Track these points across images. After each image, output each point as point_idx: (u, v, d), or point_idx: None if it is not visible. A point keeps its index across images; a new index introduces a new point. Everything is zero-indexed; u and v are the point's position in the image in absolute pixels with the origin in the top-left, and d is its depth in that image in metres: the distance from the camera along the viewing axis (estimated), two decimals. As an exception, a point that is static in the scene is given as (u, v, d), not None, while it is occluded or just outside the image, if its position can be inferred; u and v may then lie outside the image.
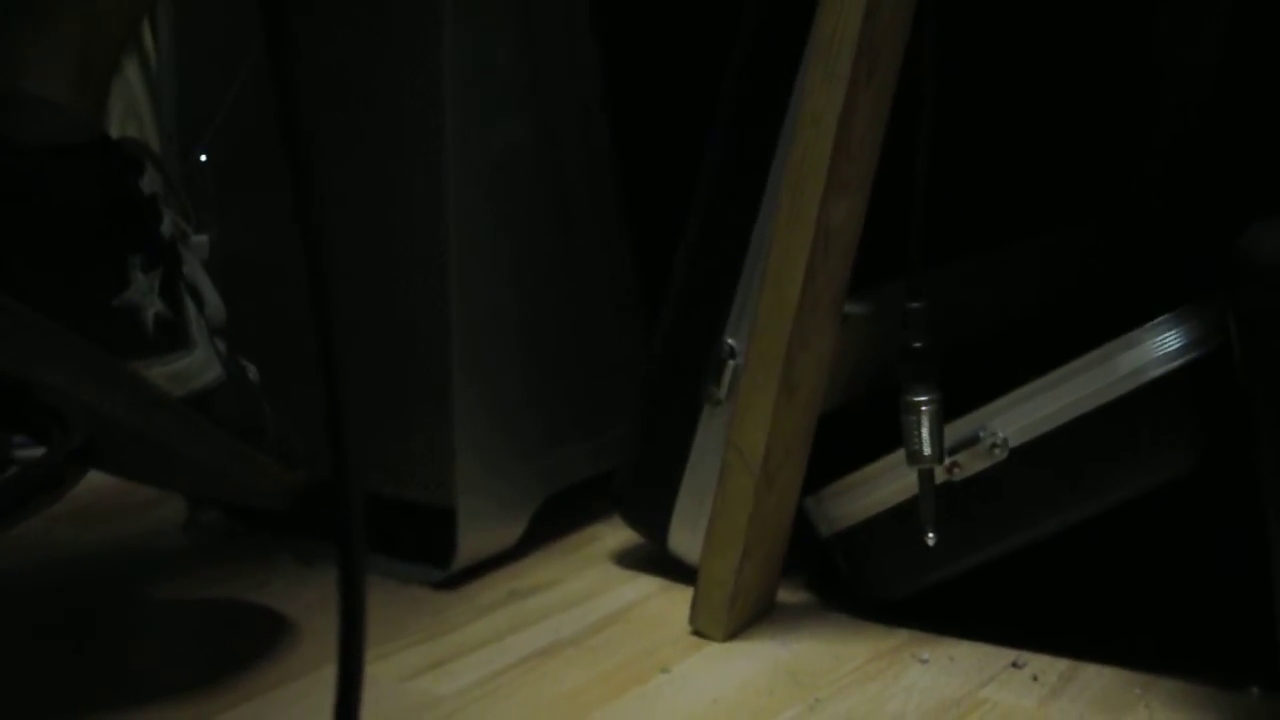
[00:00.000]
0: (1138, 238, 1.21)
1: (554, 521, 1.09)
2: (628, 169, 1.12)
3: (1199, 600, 0.95)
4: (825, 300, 0.89)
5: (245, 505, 1.04)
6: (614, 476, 1.03)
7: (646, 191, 1.12)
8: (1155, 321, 0.84)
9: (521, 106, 1.03)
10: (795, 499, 0.93)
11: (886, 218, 0.87)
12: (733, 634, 0.92)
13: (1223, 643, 0.89)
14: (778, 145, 0.91)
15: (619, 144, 1.11)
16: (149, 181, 0.78)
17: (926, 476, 0.84)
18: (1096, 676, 0.85)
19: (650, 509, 1.00)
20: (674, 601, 0.97)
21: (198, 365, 0.78)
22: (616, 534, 1.08)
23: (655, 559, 1.02)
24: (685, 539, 0.98)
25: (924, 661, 0.88)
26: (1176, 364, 0.83)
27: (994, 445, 0.86)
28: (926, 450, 0.82)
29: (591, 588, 1.01)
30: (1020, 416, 0.86)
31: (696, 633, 0.92)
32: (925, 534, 0.85)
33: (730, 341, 0.94)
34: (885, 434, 0.86)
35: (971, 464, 0.87)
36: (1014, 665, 0.87)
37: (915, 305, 0.84)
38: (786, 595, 0.97)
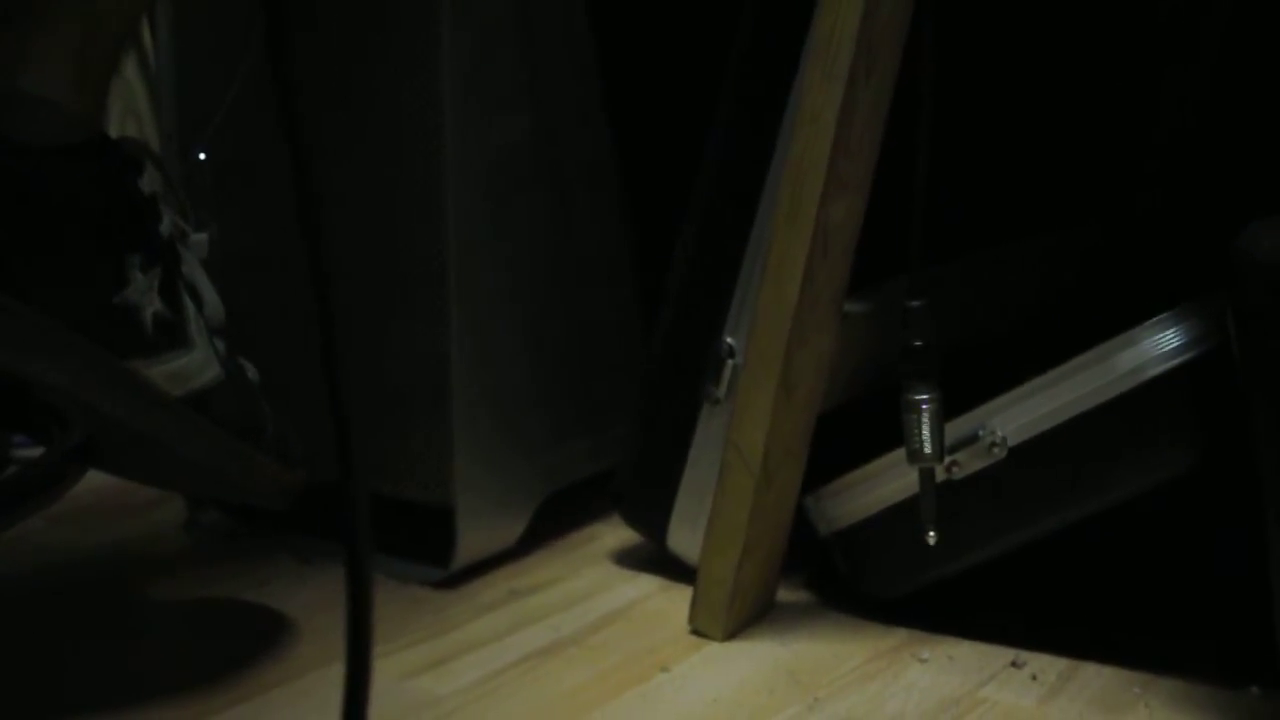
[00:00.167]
0: (1137, 237, 1.21)
1: (554, 520, 1.09)
2: (627, 168, 1.12)
3: (1198, 599, 0.95)
4: (824, 299, 0.89)
5: (245, 505, 1.04)
6: (614, 475, 1.03)
7: (646, 190, 1.12)
8: (1154, 320, 0.84)
9: (520, 106, 1.03)
10: (794, 498, 0.93)
11: (885, 217, 0.87)
12: (732, 633, 0.92)
13: (1222, 642, 0.89)
14: (777, 144, 0.91)
15: (618, 143, 1.11)
16: (148, 181, 0.78)
17: (927, 475, 0.84)
18: (1096, 675, 0.85)
19: (650, 508, 1.00)
20: (673, 601, 0.97)
21: (196, 365, 0.78)
22: (616, 533, 1.08)
23: (655, 558, 1.02)
24: (685, 538, 0.98)
25: (923, 661, 0.88)
26: (1175, 362, 0.83)
27: (993, 444, 0.86)
28: (927, 449, 0.82)
29: (591, 587, 1.01)
30: (1019, 415, 0.86)
31: (696, 632, 0.92)
32: (926, 533, 0.85)
33: (729, 340, 0.94)
34: (885, 433, 0.86)
35: (971, 463, 0.87)
36: (1013, 664, 0.87)
37: (916, 304, 0.84)
38: (786, 594, 0.97)
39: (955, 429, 0.86)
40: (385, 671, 0.87)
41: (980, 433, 0.87)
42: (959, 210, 0.96)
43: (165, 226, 0.79)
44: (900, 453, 0.86)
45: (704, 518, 0.93)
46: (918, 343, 0.81)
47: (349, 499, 0.48)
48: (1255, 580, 0.77)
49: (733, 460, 0.90)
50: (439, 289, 0.98)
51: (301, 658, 0.89)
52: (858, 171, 0.88)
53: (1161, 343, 0.83)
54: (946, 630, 0.91)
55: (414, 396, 1.00)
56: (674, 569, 1.00)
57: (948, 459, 0.86)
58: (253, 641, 0.92)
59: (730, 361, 0.94)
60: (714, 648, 0.91)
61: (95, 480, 0.85)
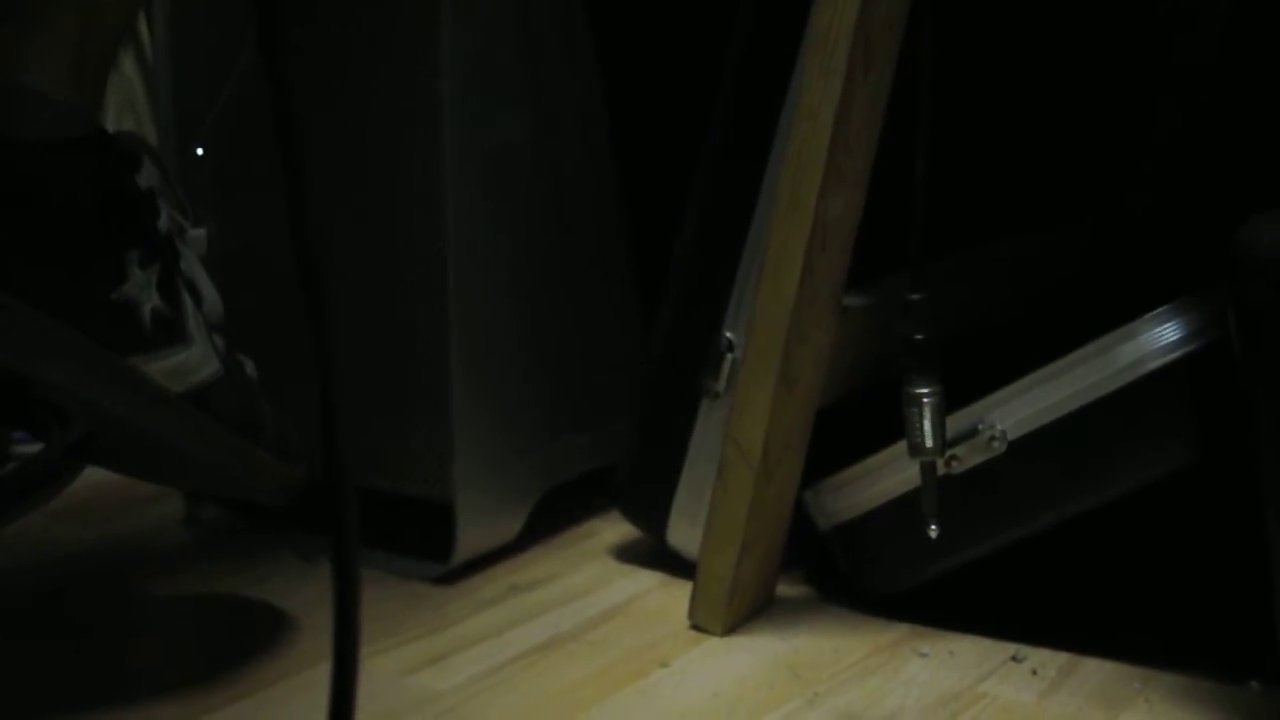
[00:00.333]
0: (1136, 230, 1.20)
1: (553, 516, 1.09)
2: (626, 165, 1.12)
3: (1199, 594, 0.95)
4: (823, 293, 0.89)
5: (244, 501, 1.04)
6: (613, 471, 1.03)
7: (645, 186, 1.12)
8: (1154, 314, 0.84)
9: (520, 104, 1.03)
10: (794, 493, 0.93)
11: (884, 211, 0.87)
12: (732, 628, 0.92)
13: (1223, 637, 0.89)
14: (775, 139, 0.91)
15: (617, 140, 1.11)
16: (146, 176, 0.78)
17: (929, 469, 0.84)
18: (1096, 670, 0.85)
19: (649, 504, 1.00)
20: (673, 596, 0.97)
21: (195, 361, 0.78)
22: (615, 529, 1.08)
23: (654, 553, 1.02)
24: (684, 533, 0.98)
25: (923, 655, 0.88)
26: (1175, 356, 0.83)
27: (993, 438, 0.86)
28: (928, 442, 0.82)
29: (591, 582, 1.01)
30: (1019, 409, 0.86)
31: (695, 627, 0.92)
32: (928, 526, 0.85)
33: (728, 335, 0.94)
34: (884, 427, 0.86)
35: (970, 457, 0.87)
36: (1014, 659, 0.87)
37: (917, 297, 0.83)
38: (785, 589, 0.97)
39: (954, 423, 0.86)
40: (384, 667, 0.87)
41: (980, 427, 0.87)
42: (958, 204, 0.96)
43: (163, 222, 0.79)
44: (900, 447, 0.85)
45: (703, 513, 0.93)
46: (919, 336, 0.81)
47: (335, 492, 0.48)
48: (1255, 575, 0.77)
49: (732, 455, 0.90)
50: (438, 286, 0.98)
51: (301, 654, 0.89)
52: (856, 166, 0.88)
53: (1161, 336, 0.83)
54: (947, 625, 0.91)
55: (413, 392, 1.00)
56: (673, 564, 1.00)
57: (947, 453, 0.86)
58: (252, 638, 0.92)
59: (729, 356, 0.94)
60: (713, 643, 0.91)
61: (94, 476, 0.85)
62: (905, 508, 0.88)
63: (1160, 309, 0.84)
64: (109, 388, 0.74)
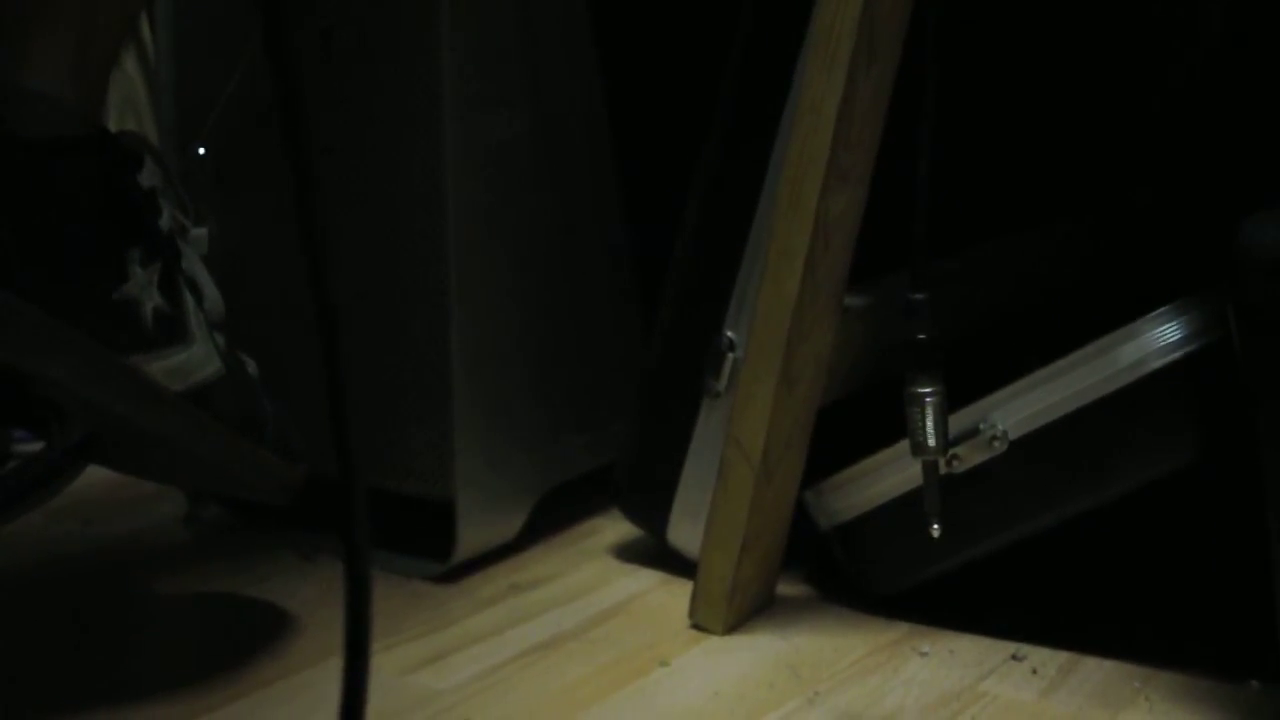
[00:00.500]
0: (1138, 229, 1.20)
1: (554, 515, 1.09)
2: (627, 161, 1.12)
3: (1199, 593, 0.95)
4: (825, 292, 0.89)
5: (245, 500, 1.04)
6: (614, 470, 1.03)
7: (645, 184, 1.12)
8: (1155, 313, 0.84)
9: (521, 100, 1.03)
10: (795, 492, 0.93)
11: (886, 210, 0.87)
12: (732, 627, 0.92)
13: (1223, 636, 0.89)
14: (777, 136, 0.91)
15: (618, 137, 1.11)
16: (147, 175, 0.78)
17: (931, 468, 0.84)
18: (1096, 669, 0.85)
19: (650, 503, 1.00)
20: (674, 595, 0.97)
21: (196, 360, 0.78)
22: (616, 527, 1.08)
23: (655, 552, 1.02)
24: (685, 532, 0.98)
25: (924, 654, 0.88)
26: (1177, 356, 0.83)
27: (994, 437, 0.86)
28: (930, 441, 0.82)
29: (591, 581, 1.01)
30: (1020, 408, 0.86)
31: (696, 626, 0.92)
32: (930, 526, 0.85)
33: (729, 334, 0.94)
34: (885, 427, 0.86)
35: (971, 456, 0.87)
36: (1014, 658, 0.87)
37: (919, 297, 0.83)
38: (786, 588, 0.97)
39: (956, 422, 0.86)
40: (385, 666, 0.87)
41: (981, 426, 0.87)
42: (960, 203, 0.96)
43: (165, 221, 0.79)
44: (901, 446, 0.85)
45: (704, 512, 0.93)
46: (921, 336, 0.81)
47: (347, 492, 0.48)
48: (1256, 574, 0.77)
49: (733, 454, 0.90)
50: (439, 285, 0.98)
51: (301, 653, 0.89)
52: (858, 164, 0.88)
53: (1163, 336, 0.83)
54: (947, 624, 0.91)
55: (414, 391, 1.00)
56: (674, 563, 1.00)
57: (949, 453, 0.86)
58: (252, 637, 0.92)
59: (730, 355, 0.94)
60: (714, 642, 0.91)
61: (95, 475, 0.85)
62: (906, 507, 0.88)
63: (1161, 309, 0.84)
64: (110, 386, 0.74)
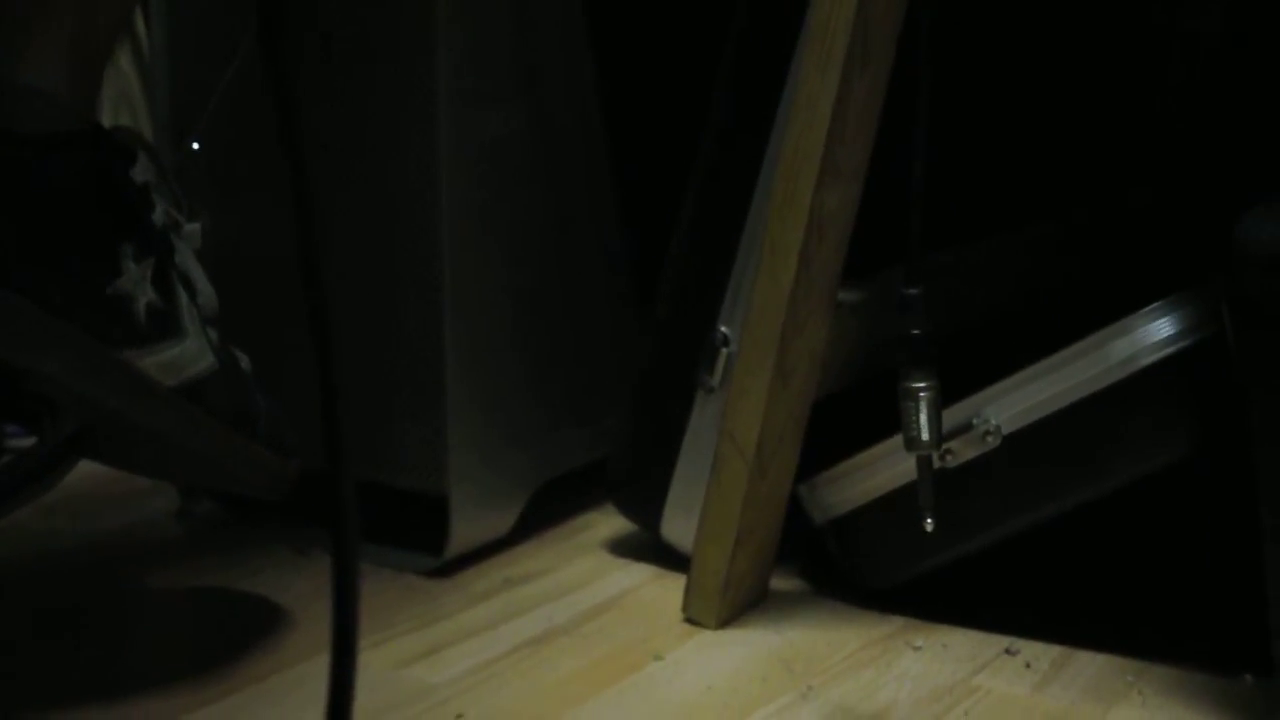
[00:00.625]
0: (1132, 225, 1.20)
1: (547, 509, 1.09)
2: (623, 157, 1.11)
3: (1192, 588, 0.95)
4: (819, 287, 0.89)
5: (238, 495, 1.04)
6: (607, 464, 1.03)
7: (641, 180, 1.12)
8: (1149, 308, 0.84)
9: (516, 95, 1.03)
10: (788, 486, 0.93)
11: (880, 206, 0.87)
12: (726, 621, 0.92)
13: (1216, 630, 0.89)
14: (771, 132, 0.91)
15: (614, 132, 1.11)
16: (141, 170, 0.78)
17: (925, 462, 0.84)
18: (1089, 664, 0.85)
19: (644, 497, 1.00)
20: (667, 589, 0.97)
21: (190, 355, 0.78)
22: (610, 522, 1.08)
23: (648, 547, 1.02)
24: (678, 527, 0.98)
25: (917, 649, 0.88)
26: (1170, 351, 0.83)
27: (988, 432, 0.86)
28: (924, 436, 0.82)
29: (585, 576, 1.01)
30: (1013, 403, 0.86)
31: (690, 620, 0.92)
32: (923, 520, 0.85)
33: (724, 329, 0.94)
34: (879, 421, 0.86)
35: (965, 451, 0.87)
36: (1007, 652, 0.87)
37: (913, 291, 0.83)
38: (780, 583, 0.98)
39: (949, 417, 0.86)
40: (378, 661, 0.87)
41: (974, 421, 0.87)
42: (954, 199, 0.96)
43: (158, 216, 0.78)
44: (895, 441, 0.85)
45: (698, 506, 0.93)
46: (915, 330, 0.81)
47: (336, 485, 0.48)
48: (1249, 568, 0.77)
49: (727, 449, 0.90)
50: (433, 279, 0.98)
51: (294, 647, 0.89)
52: (853, 159, 0.88)
53: (1156, 331, 0.83)
54: (940, 618, 0.91)
55: (408, 386, 1.00)
56: (667, 558, 1.00)
57: (942, 447, 0.86)
58: (245, 632, 0.92)
59: (725, 350, 0.94)
60: (708, 636, 0.91)
61: (88, 470, 0.85)
62: (900, 502, 0.88)
63: (1155, 304, 0.84)
64: (103, 381, 0.74)
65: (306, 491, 0.85)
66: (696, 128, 0.96)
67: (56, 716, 0.81)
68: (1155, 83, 1.26)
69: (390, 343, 1.00)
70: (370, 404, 1.01)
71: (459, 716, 0.80)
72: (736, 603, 0.93)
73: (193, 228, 0.83)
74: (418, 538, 1.01)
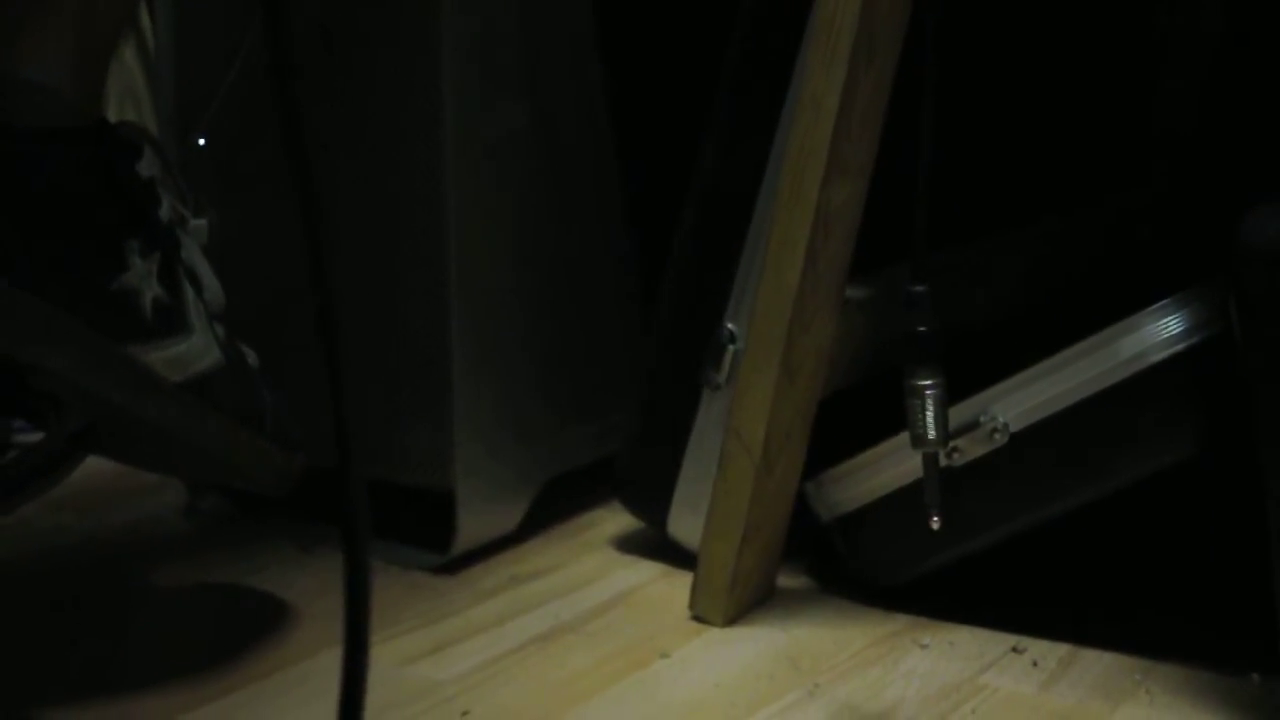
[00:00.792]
0: (1139, 222, 1.20)
1: (554, 506, 1.08)
2: (629, 152, 1.11)
3: (1200, 586, 0.95)
4: (826, 284, 0.89)
5: (244, 491, 1.04)
6: (614, 461, 1.03)
7: (647, 175, 1.12)
8: (1157, 306, 0.84)
9: (521, 92, 1.03)
10: (795, 484, 0.93)
11: (885, 202, 0.87)
12: (733, 619, 0.92)
13: (1223, 629, 0.89)
14: (777, 129, 0.91)
15: (620, 128, 1.11)
16: (146, 165, 0.78)
17: (931, 460, 0.84)
18: (1096, 662, 0.85)
19: (650, 494, 1.00)
20: (674, 586, 0.97)
21: (196, 350, 0.78)
22: (616, 519, 1.08)
23: (655, 544, 1.02)
24: (685, 524, 0.98)
25: (924, 646, 0.88)
26: (1178, 348, 0.83)
27: (995, 430, 0.86)
28: (930, 434, 0.82)
29: (592, 573, 1.01)
30: (1021, 401, 0.86)
31: (696, 618, 0.92)
32: (930, 518, 0.85)
33: (730, 326, 0.94)
34: (887, 418, 0.86)
35: (972, 449, 0.87)
36: (1014, 650, 0.87)
37: (919, 288, 0.83)
38: (786, 580, 0.97)
39: (956, 415, 0.86)
40: (385, 657, 0.87)
41: (981, 419, 0.87)
42: (961, 196, 0.96)
43: (164, 211, 0.78)
44: (902, 438, 0.85)
45: (705, 503, 0.93)
46: (921, 328, 0.81)
47: (346, 483, 0.48)
48: (1256, 566, 0.77)
49: (733, 446, 0.90)
50: (439, 275, 0.98)
51: (300, 643, 0.89)
52: (859, 156, 0.88)
53: (1164, 329, 0.83)
54: (947, 616, 0.91)
55: (415, 382, 1.00)
56: (674, 555, 1.00)
57: (949, 445, 0.86)
58: (251, 627, 0.92)
59: (731, 347, 0.93)
60: (714, 633, 0.91)
61: (94, 465, 0.85)
62: (907, 499, 0.88)
63: (1163, 301, 0.84)
64: (109, 377, 0.74)
65: (313, 488, 0.85)
66: (701, 125, 0.96)
67: (62, 711, 0.81)
68: (1157, 81, 1.25)
69: (397, 339, 1.00)
70: (377, 401, 1.01)
71: (465, 713, 0.80)
72: (743, 600, 0.93)
73: (198, 223, 0.83)
74: (424, 534, 1.01)
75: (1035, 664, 0.85)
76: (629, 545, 1.05)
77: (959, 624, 0.90)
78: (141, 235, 0.75)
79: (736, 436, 0.90)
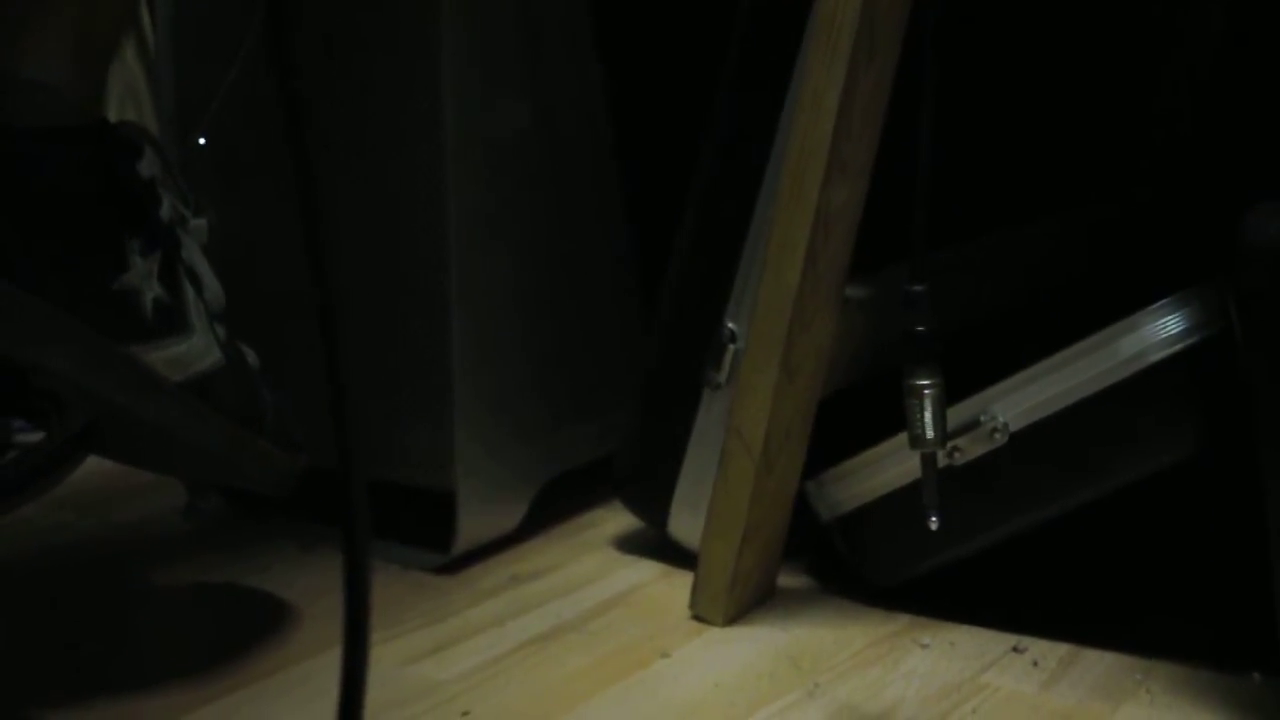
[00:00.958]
0: (1139, 221, 1.20)
1: (554, 506, 1.09)
2: (628, 152, 1.11)
3: (1200, 585, 0.95)
4: (826, 284, 0.89)
5: (244, 490, 1.04)
6: (614, 461, 1.03)
7: (646, 175, 1.12)
8: (1157, 305, 0.84)
9: (521, 92, 1.03)
10: (795, 483, 0.93)
11: (886, 201, 0.87)
12: (733, 619, 0.92)
13: (1224, 628, 0.89)
14: (778, 128, 0.91)
15: (619, 128, 1.11)
16: (147, 165, 0.78)
17: (929, 460, 0.84)
18: (1097, 661, 0.85)
19: (650, 494, 1.00)
20: (674, 586, 0.97)
21: (196, 350, 0.78)
22: (617, 519, 1.08)
23: (655, 544, 1.02)
24: (685, 524, 0.98)
25: (924, 646, 0.88)
26: (1178, 348, 0.83)
27: (994, 430, 0.86)
28: (929, 434, 0.82)
29: (592, 572, 1.01)
30: (1021, 400, 0.86)
31: (697, 617, 0.92)
32: (929, 518, 0.85)
33: (731, 325, 0.94)
34: (886, 418, 0.86)
35: (972, 448, 0.87)
36: (1014, 650, 0.87)
37: (918, 288, 0.83)
38: (787, 580, 0.97)
39: (956, 414, 0.86)
40: (385, 657, 0.87)
41: (981, 418, 0.87)
42: (960, 195, 0.96)
43: (165, 211, 0.78)
44: (902, 438, 0.85)
45: (705, 503, 0.93)
46: (919, 327, 0.81)
47: (346, 483, 0.48)
48: (1257, 566, 0.77)
49: (734, 445, 0.90)
50: (440, 275, 0.98)
51: (301, 643, 0.89)
52: (859, 155, 0.88)
53: (1164, 328, 0.83)
54: (948, 616, 0.91)
55: (415, 382, 1.00)
56: (674, 554, 1.00)
57: (949, 445, 0.86)
58: (252, 627, 0.92)
59: (731, 346, 0.94)
60: (715, 633, 0.91)
61: (94, 465, 0.85)
62: (907, 499, 0.88)
63: (1163, 301, 0.84)
64: (109, 377, 0.73)
65: (314, 488, 0.85)
66: (701, 125, 0.96)
67: (63, 711, 0.81)
68: (1157, 80, 1.25)
69: (397, 339, 1.00)
70: (377, 401, 1.01)
71: (466, 713, 0.80)
72: (743, 600, 0.93)
73: (199, 223, 0.83)
74: (425, 534, 1.01)
75: (1036, 664, 0.85)
76: (629, 545, 1.05)
77: (959, 624, 0.90)
78: (142, 235, 0.75)
79: (737, 436, 0.90)
